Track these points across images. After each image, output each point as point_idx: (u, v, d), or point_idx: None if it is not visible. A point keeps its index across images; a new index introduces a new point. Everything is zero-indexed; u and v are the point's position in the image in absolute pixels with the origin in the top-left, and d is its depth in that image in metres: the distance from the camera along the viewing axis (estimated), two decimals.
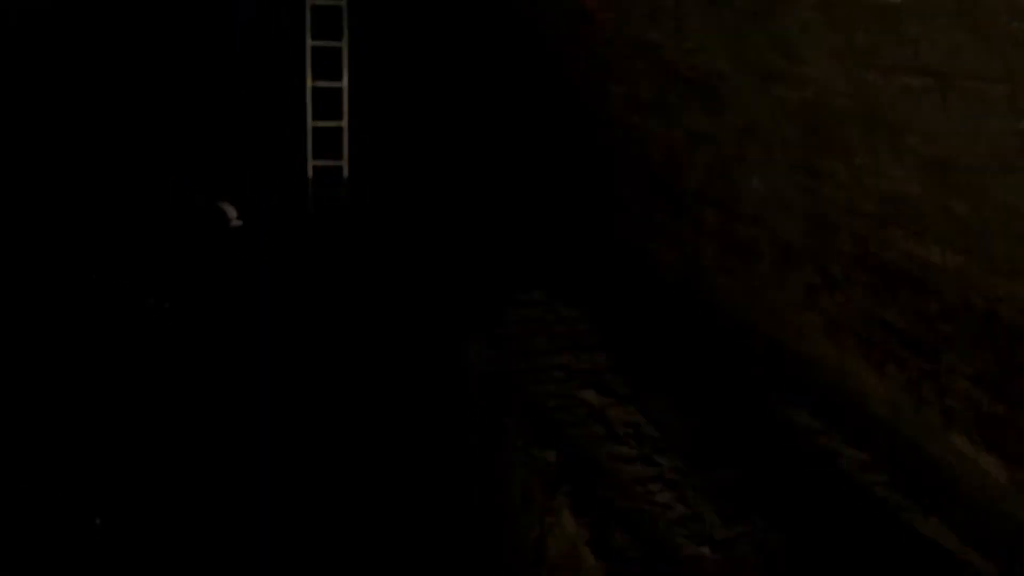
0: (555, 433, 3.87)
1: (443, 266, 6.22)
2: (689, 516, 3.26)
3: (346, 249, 6.53)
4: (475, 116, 7.91)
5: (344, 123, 7.99)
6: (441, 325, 5.44)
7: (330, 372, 4.93)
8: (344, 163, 8.09)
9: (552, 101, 7.30)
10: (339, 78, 7.63)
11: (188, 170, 6.33)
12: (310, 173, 8.09)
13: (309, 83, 7.55)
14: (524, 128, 7.71)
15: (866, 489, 3.48)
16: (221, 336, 4.89)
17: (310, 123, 7.96)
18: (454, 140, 8.02)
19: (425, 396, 5.07)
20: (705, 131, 4.52)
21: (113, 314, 4.81)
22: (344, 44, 7.50)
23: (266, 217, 6.80)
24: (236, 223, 6.21)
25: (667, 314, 5.36)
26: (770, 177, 3.97)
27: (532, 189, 7.62)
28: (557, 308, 5.45)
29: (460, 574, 3.86)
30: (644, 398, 4.23)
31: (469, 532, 4.09)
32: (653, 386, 4.39)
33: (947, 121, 2.63)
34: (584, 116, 6.68)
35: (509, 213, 7.32)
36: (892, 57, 2.74)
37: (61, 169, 5.98)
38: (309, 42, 7.31)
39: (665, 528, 3.15)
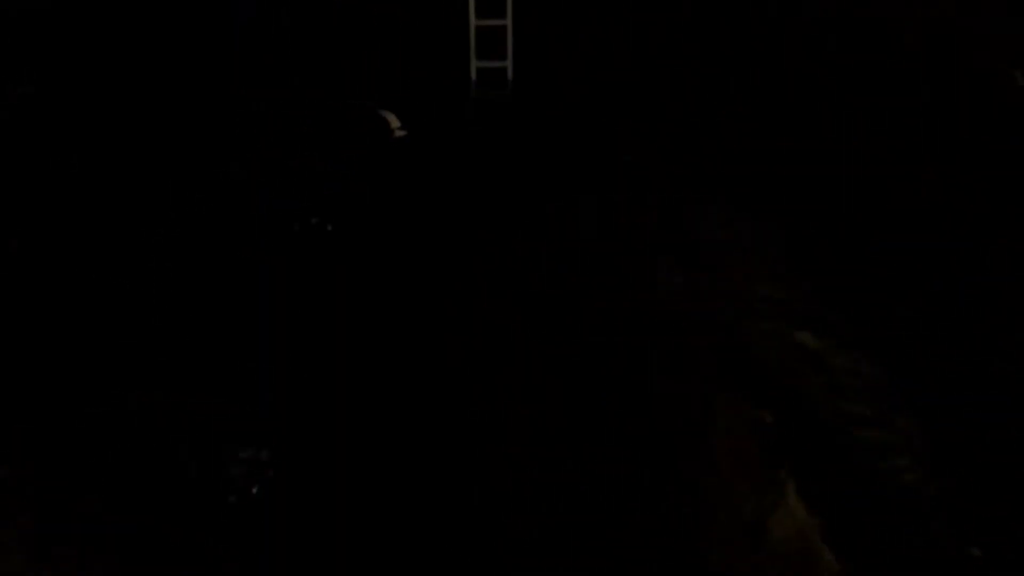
0: (770, 384, 3.30)
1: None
2: (946, 501, 2.65)
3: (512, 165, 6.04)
4: None
5: (508, 21, 7.40)
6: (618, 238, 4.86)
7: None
8: (508, 64, 7.55)
9: None
10: None
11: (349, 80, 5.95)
12: (473, 75, 7.60)
13: None
14: None
15: None
16: (385, 261, 4.55)
17: (473, 22, 7.43)
18: None
19: (604, 323, 4.55)
20: None
21: (276, 234, 4.54)
22: None
23: (430, 126, 6.38)
24: (400, 133, 5.78)
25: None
26: None
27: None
28: (741, 222, 4.79)
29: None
30: (871, 341, 3.57)
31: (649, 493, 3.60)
32: (878, 324, 3.73)
33: None
34: None
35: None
36: None
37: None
38: None
39: (917, 518, 2.56)
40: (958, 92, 4.59)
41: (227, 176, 5.01)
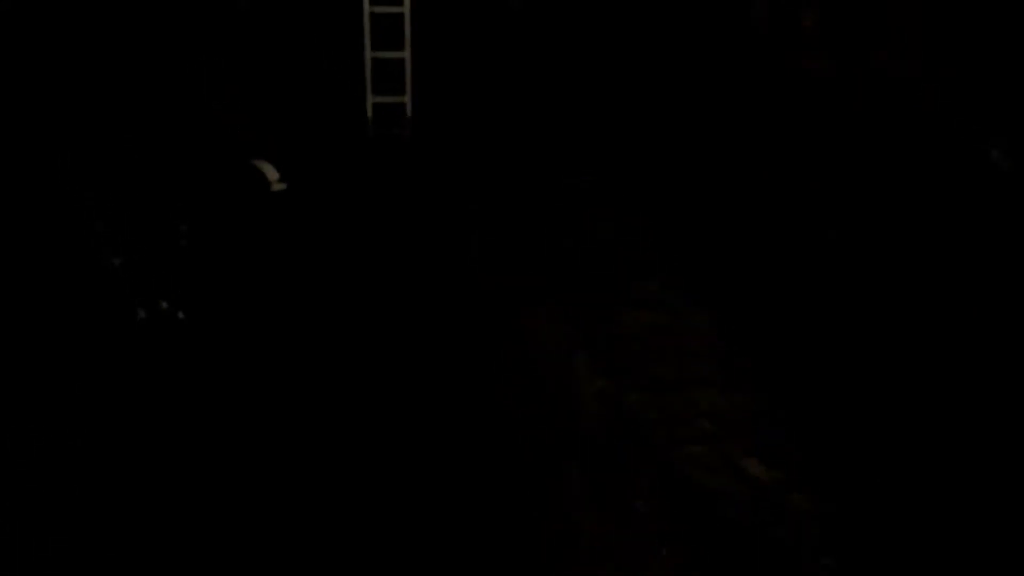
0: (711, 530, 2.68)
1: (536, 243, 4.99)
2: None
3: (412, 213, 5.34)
4: None
5: (407, 54, 6.75)
6: (538, 331, 4.22)
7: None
8: (407, 99, 6.90)
9: None
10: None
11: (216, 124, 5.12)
12: (370, 112, 6.92)
13: (367, 7, 6.34)
14: None
15: None
16: (250, 357, 3.79)
17: (368, 54, 6.74)
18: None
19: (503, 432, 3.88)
20: None
21: (114, 324, 3.72)
22: None
23: (319, 173, 5.62)
24: (279, 187, 5.01)
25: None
26: None
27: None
28: (684, 310, 4.21)
29: None
30: (836, 476, 3.00)
31: None
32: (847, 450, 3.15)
33: None
34: None
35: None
36: None
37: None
38: None
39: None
40: (926, 171, 4.11)
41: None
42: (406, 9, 6.57)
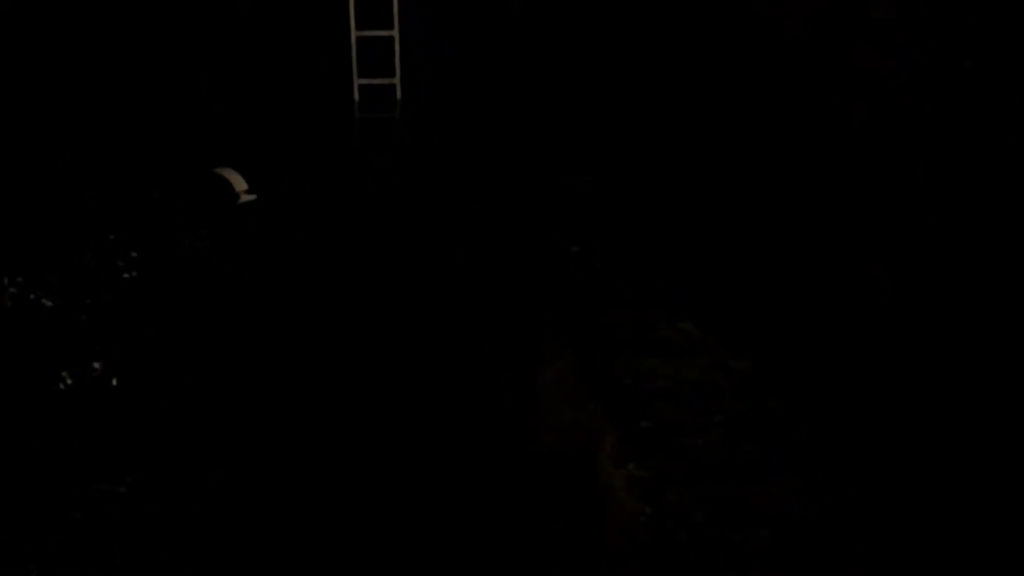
0: None
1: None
2: None
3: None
4: None
5: (395, 32, 6.04)
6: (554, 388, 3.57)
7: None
8: (397, 80, 6.22)
9: None
10: None
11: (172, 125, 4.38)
12: (356, 95, 6.25)
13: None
14: None
15: None
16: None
17: (354, 33, 6.03)
18: None
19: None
20: None
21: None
22: None
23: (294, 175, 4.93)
24: (247, 198, 4.31)
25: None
26: None
27: None
28: (726, 359, 3.54)
29: None
30: None
31: None
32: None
33: None
34: None
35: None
36: None
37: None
38: None
39: None
40: None
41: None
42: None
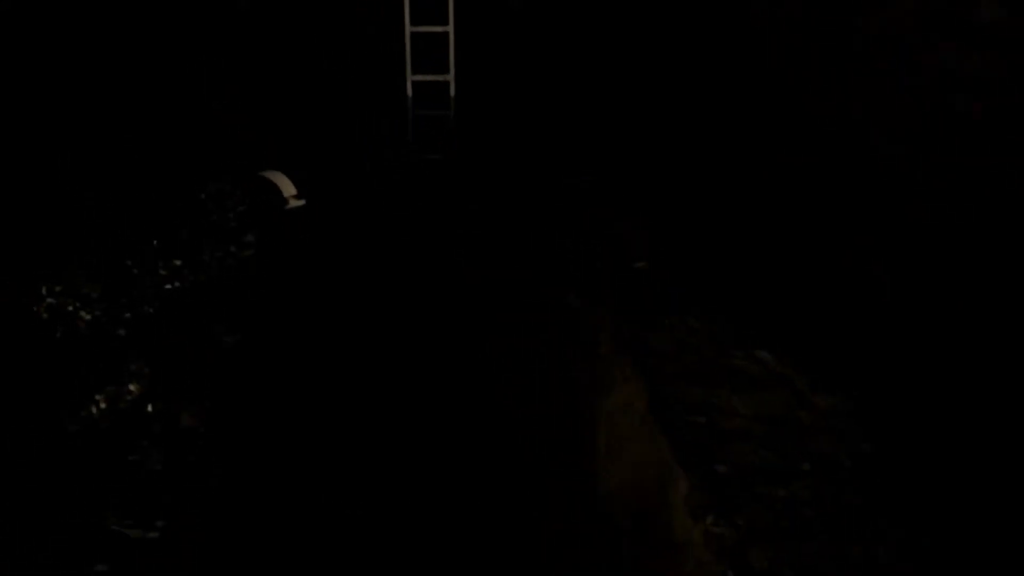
0: None
1: None
2: None
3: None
4: None
5: (450, 28, 5.85)
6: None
7: None
8: (451, 77, 6.05)
9: None
10: None
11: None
12: (409, 91, 6.12)
13: None
14: None
15: None
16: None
17: (408, 28, 5.84)
18: None
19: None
20: None
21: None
22: None
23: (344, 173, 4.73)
24: (296, 203, 4.10)
25: None
26: None
27: None
28: (806, 394, 3.24)
29: None
30: None
31: None
32: None
33: None
34: None
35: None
36: None
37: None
38: None
39: None
40: None
41: None
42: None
